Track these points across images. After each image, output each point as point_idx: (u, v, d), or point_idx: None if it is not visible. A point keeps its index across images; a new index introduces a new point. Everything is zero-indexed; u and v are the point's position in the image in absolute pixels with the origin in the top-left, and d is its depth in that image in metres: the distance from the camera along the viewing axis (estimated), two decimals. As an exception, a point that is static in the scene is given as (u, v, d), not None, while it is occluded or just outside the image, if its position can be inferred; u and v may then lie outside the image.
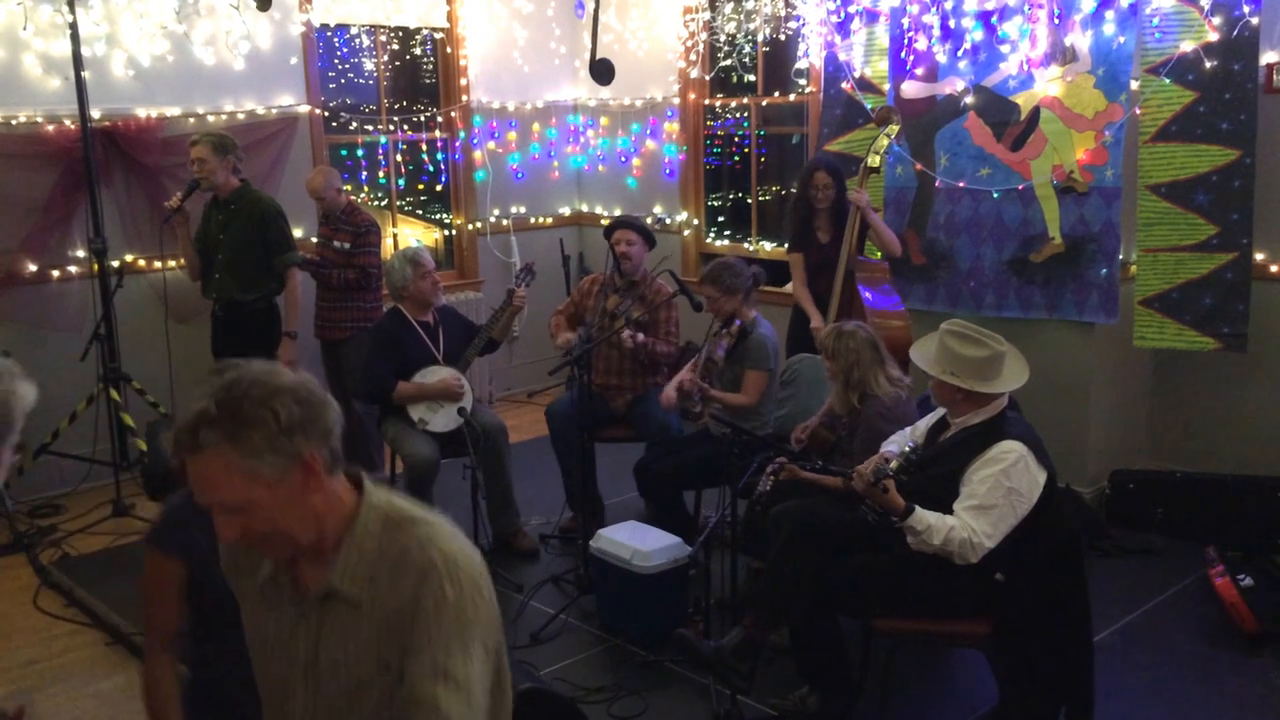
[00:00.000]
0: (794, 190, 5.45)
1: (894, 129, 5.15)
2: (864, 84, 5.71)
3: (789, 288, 5.24)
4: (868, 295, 5.03)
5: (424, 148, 7.24)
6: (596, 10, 6.75)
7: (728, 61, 6.66)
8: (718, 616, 4.05)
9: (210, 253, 5.45)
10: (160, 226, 5.54)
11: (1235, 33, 4.58)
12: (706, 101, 7.20)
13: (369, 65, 7.01)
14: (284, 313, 5.51)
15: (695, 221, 7.32)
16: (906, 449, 3.33)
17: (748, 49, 6.59)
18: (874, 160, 5.10)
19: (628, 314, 4.94)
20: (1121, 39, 4.79)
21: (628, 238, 5.10)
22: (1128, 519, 5.07)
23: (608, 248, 5.19)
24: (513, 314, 5.12)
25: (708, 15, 6.67)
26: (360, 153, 6.92)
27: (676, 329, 5.14)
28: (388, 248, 7.13)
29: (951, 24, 5.23)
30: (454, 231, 7.53)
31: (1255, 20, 4.55)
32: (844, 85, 5.79)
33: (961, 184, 5.32)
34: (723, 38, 6.63)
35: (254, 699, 1.85)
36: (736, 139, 7.26)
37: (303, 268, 5.79)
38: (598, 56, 6.69)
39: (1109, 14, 4.79)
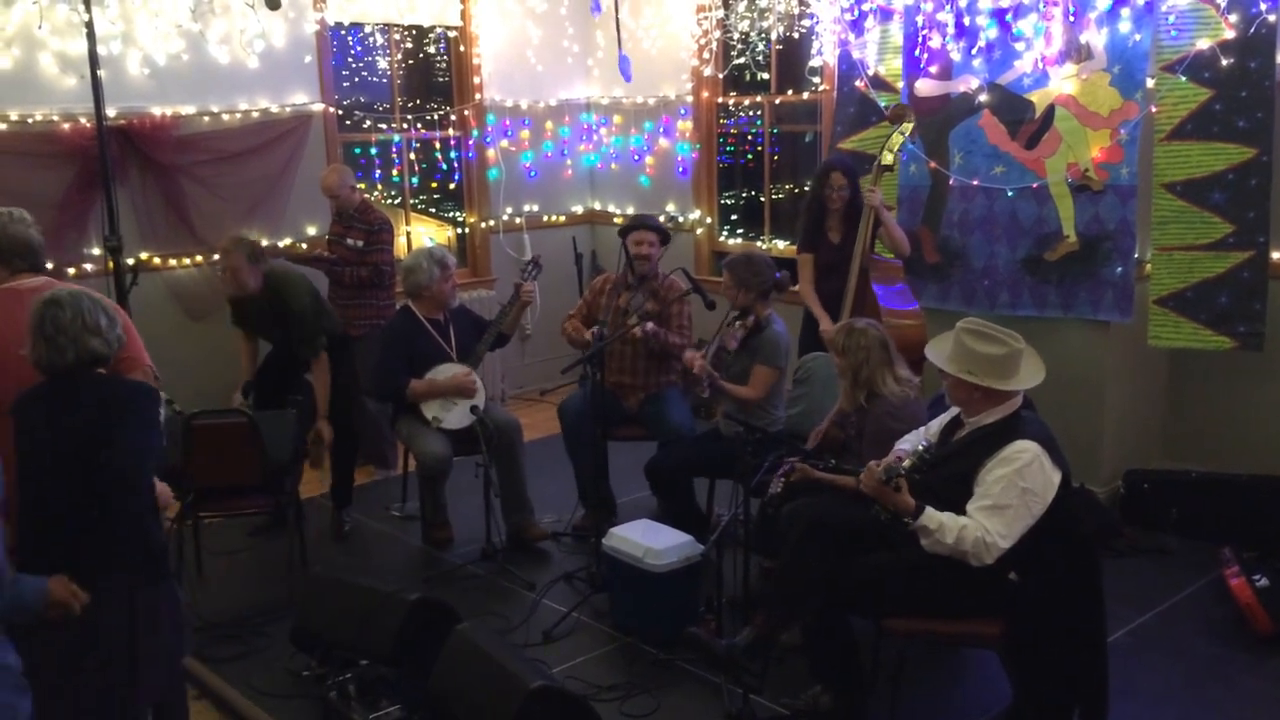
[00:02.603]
0: (808, 189, 5.44)
1: (908, 127, 5.13)
2: (878, 82, 5.70)
3: (798, 288, 5.25)
4: (882, 293, 5.02)
5: (437, 146, 7.25)
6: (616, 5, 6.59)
7: (741, 59, 6.64)
8: (730, 615, 4.05)
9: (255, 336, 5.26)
10: (181, 225, 5.50)
11: (1252, 30, 4.55)
12: (720, 99, 7.19)
13: (383, 63, 7.03)
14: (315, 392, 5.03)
15: (708, 220, 7.31)
16: (920, 448, 3.32)
17: (761, 47, 6.57)
18: (888, 158, 5.09)
19: (640, 308, 4.95)
20: (1137, 36, 4.77)
21: (648, 239, 5.10)
22: (1142, 519, 5.04)
23: (621, 246, 5.19)
24: (521, 308, 5.12)
25: (721, 13, 6.66)
26: (374, 151, 6.93)
27: (689, 322, 5.15)
28: (401, 246, 7.15)
29: (966, 22, 5.21)
30: (467, 229, 7.54)
31: (1272, 18, 4.52)
32: (857, 83, 5.78)
33: (976, 182, 5.30)
34: (736, 35, 6.62)
35: None
36: (750, 137, 7.25)
37: (315, 265, 5.80)
38: (602, 54, 6.50)
39: (1124, 11, 4.77)
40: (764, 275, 4.64)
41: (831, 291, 5.10)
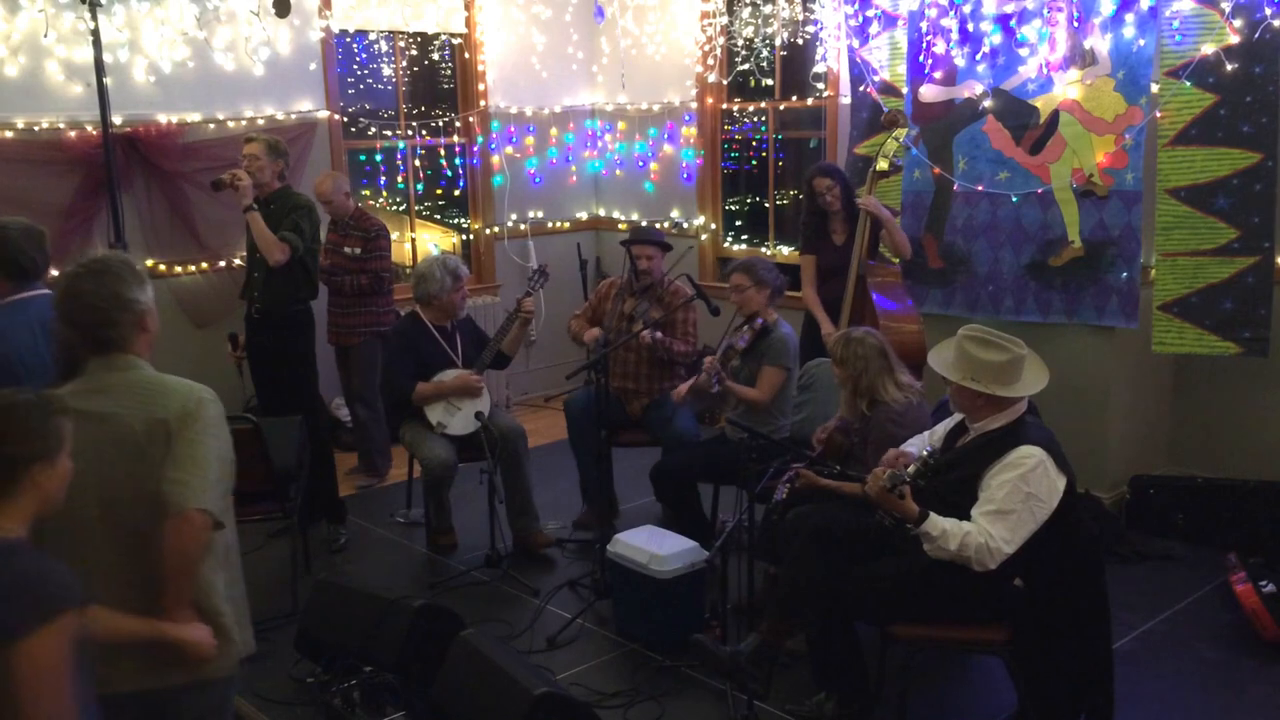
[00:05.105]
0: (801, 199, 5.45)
1: (901, 132, 5.13)
2: (885, 87, 5.70)
3: (800, 292, 5.25)
4: (881, 299, 5.01)
5: (442, 153, 7.26)
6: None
7: (745, 66, 6.65)
8: (734, 621, 4.04)
9: (250, 254, 5.32)
10: (186, 233, 5.51)
11: (1257, 35, 4.54)
12: (724, 106, 7.19)
13: (388, 71, 7.05)
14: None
15: (713, 226, 7.32)
16: (924, 454, 3.32)
17: (765, 53, 6.58)
18: (882, 164, 5.09)
19: (645, 316, 4.95)
20: (1141, 42, 4.76)
21: (647, 253, 5.10)
22: (1148, 524, 5.04)
23: (625, 253, 5.20)
24: (523, 324, 5.09)
25: (725, 19, 6.67)
26: (379, 158, 6.95)
27: (694, 329, 5.15)
28: (406, 253, 7.17)
29: (970, 27, 5.22)
30: (471, 236, 7.55)
31: (1277, 23, 4.51)
32: (863, 88, 5.78)
33: (980, 188, 5.30)
34: (740, 42, 6.63)
35: None
36: (754, 143, 7.26)
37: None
38: (606, 60, 6.42)
39: (1129, 17, 4.77)
40: (775, 272, 4.72)
41: (832, 296, 5.11)
